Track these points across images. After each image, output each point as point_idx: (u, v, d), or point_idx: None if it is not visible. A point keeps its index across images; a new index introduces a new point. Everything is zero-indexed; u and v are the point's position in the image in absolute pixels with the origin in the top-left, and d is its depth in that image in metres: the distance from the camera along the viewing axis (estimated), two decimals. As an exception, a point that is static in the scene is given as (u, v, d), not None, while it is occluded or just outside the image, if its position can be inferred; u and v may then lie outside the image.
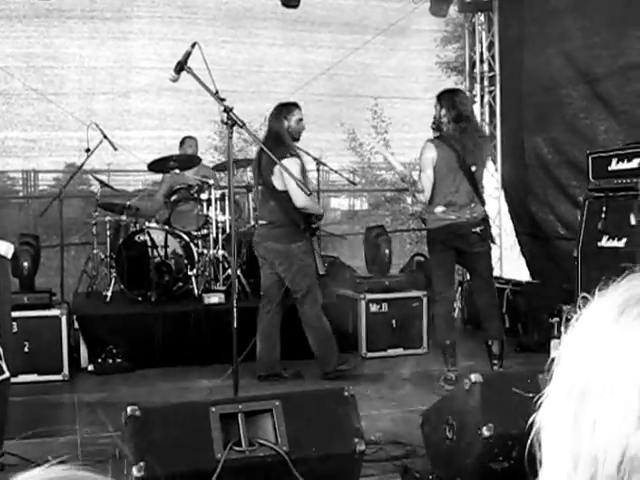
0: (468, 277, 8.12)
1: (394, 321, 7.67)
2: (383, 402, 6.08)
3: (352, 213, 11.31)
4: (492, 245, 6.73)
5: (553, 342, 6.48)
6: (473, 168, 6.37)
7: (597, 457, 0.70)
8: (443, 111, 6.41)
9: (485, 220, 6.44)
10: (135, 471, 3.39)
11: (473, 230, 6.35)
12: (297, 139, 6.73)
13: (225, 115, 4.95)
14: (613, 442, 0.69)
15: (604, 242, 6.38)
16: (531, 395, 3.55)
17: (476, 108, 9.99)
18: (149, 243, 7.67)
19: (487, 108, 9.86)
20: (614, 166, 6.41)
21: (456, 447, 3.97)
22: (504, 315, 8.07)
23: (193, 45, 5.10)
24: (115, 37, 9.35)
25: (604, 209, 6.41)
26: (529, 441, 0.82)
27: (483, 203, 6.47)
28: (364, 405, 5.84)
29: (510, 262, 9.87)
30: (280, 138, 6.52)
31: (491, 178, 6.57)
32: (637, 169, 6.11)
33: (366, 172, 10.96)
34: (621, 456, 0.68)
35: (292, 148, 6.53)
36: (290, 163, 6.16)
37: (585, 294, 0.81)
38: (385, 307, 7.65)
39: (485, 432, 3.74)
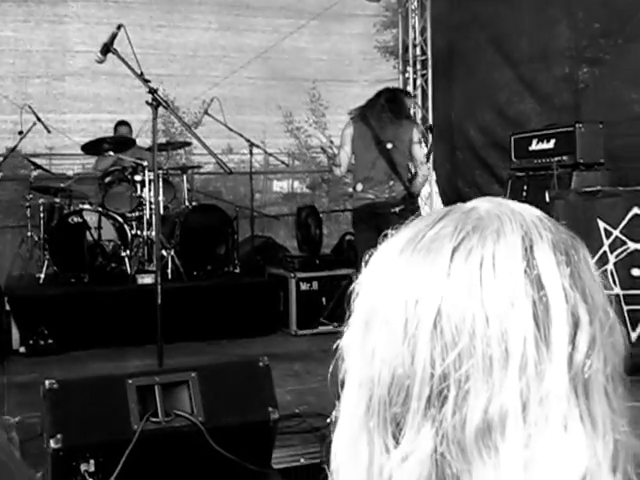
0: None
1: (324, 299, 7.82)
2: (310, 377, 6.20)
3: (291, 195, 11.41)
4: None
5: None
6: (389, 145, 6.49)
7: (373, 380, 0.80)
8: None
9: (405, 199, 6.55)
10: (52, 443, 3.46)
11: (392, 210, 6.46)
12: None
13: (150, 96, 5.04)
14: (385, 366, 0.79)
15: (526, 219, 6.56)
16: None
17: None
18: (83, 225, 7.70)
19: (420, 91, 10.01)
20: (534, 146, 6.63)
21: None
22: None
23: (119, 27, 5.20)
24: (50, 20, 9.29)
25: (525, 187, 6.61)
26: (332, 366, 0.93)
27: (404, 183, 6.58)
28: (291, 380, 6.00)
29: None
30: None
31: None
32: (553, 149, 6.33)
33: (303, 154, 11.05)
34: (391, 378, 0.79)
35: None
36: None
37: (386, 232, 0.90)
38: (315, 285, 7.78)
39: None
